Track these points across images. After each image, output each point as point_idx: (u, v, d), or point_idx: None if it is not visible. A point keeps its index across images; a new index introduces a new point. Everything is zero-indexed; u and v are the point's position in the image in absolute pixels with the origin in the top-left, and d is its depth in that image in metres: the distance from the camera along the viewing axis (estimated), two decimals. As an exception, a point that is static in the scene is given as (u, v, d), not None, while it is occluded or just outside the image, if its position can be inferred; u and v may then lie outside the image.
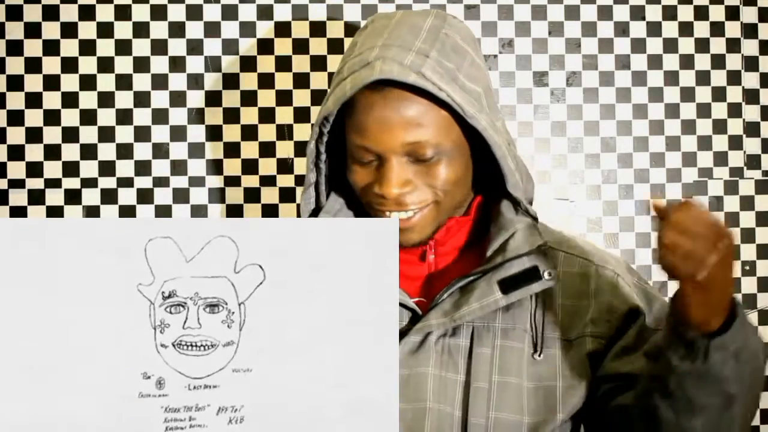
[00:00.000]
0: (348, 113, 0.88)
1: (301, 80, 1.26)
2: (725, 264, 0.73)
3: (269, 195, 1.26)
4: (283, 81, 1.26)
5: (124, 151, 1.25)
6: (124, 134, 1.25)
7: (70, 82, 1.24)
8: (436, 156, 0.86)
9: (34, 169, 1.24)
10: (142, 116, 1.25)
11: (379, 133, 0.84)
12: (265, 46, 1.26)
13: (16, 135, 1.24)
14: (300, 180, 1.26)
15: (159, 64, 1.25)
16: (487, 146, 0.88)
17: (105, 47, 1.25)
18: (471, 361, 0.88)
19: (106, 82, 1.25)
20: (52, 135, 1.24)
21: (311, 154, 0.92)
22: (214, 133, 1.26)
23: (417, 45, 0.85)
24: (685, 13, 1.31)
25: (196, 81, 1.26)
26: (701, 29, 1.31)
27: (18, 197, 1.24)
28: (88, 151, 1.24)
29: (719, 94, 1.31)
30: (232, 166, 1.26)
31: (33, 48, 1.24)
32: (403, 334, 0.88)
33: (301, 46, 1.26)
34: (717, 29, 1.31)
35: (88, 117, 1.24)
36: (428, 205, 0.88)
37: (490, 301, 0.87)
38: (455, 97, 0.83)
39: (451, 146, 0.87)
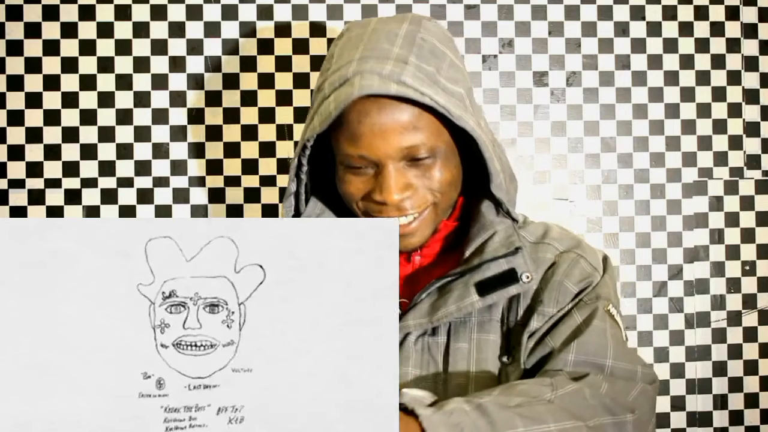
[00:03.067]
0: (335, 125, 0.87)
1: (301, 80, 1.26)
2: None
3: (269, 195, 1.26)
4: (283, 81, 1.26)
5: (124, 151, 1.25)
6: (124, 134, 1.25)
7: (70, 82, 1.24)
8: (431, 158, 0.86)
9: (34, 169, 1.24)
10: (142, 116, 1.25)
11: (375, 141, 0.83)
12: (265, 46, 1.26)
13: (16, 135, 1.24)
14: (300, 180, 1.26)
15: (159, 64, 1.25)
16: (470, 147, 0.88)
17: (105, 47, 1.25)
18: (448, 358, 0.89)
19: (106, 82, 1.25)
20: (52, 135, 1.24)
21: (294, 168, 0.92)
22: (214, 133, 1.26)
23: (394, 52, 0.84)
24: (685, 13, 1.31)
25: (196, 81, 1.26)
26: (701, 29, 1.31)
27: (18, 197, 1.24)
28: (88, 151, 1.24)
29: (719, 94, 1.31)
30: (232, 166, 1.26)
31: (33, 48, 1.24)
32: None
33: (301, 46, 1.26)
34: (717, 29, 1.31)
35: (88, 117, 1.24)
36: (427, 207, 0.88)
37: (467, 303, 0.87)
38: (439, 100, 0.82)
39: (445, 147, 0.87)
